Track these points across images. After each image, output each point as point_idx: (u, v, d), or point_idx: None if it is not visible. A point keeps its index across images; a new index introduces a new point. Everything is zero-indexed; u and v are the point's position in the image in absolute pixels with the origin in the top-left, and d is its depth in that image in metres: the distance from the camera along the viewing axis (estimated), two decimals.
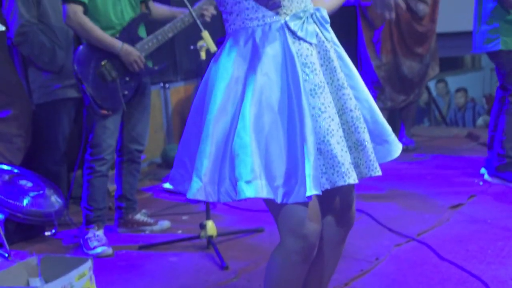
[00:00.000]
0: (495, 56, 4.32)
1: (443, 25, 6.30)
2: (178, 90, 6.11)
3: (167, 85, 5.97)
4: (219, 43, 3.71)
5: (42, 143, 4.36)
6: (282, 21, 1.92)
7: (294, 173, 1.82)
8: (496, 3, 4.19)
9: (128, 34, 3.65)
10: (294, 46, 1.90)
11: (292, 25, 1.91)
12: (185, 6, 3.55)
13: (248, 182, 1.79)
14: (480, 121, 8.97)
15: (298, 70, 1.87)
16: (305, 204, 1.85)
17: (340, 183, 1.84)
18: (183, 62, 6.05)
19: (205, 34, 3.40)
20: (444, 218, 3.83)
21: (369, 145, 1.95)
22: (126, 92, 3.64)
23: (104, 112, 3.58)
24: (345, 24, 4.94)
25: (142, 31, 3.77)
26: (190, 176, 1.92)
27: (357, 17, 5.62)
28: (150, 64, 3.78)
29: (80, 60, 3.55)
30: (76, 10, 3.46)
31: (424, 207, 4.07)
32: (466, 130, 6.80)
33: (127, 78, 3.64)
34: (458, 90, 9.87)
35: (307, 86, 1.88)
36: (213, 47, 3.32)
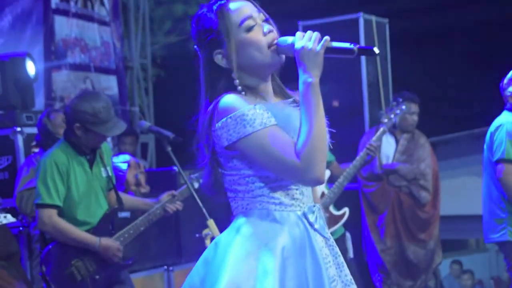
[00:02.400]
0: (502, 246, 4.30)
1: (446, 208, 6.38)
2: (183, 273, 6.03)
3: (170, 268, 5.91)
4: None
5: None
6: (299, 212, 1.98)
7: None
8: (501, 192, 4.24)
9: (103, 227, 3.71)
10: (313, 236, 1.96)
11: (310, 217, 1.98)
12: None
13: None
14: None
15: (319, 260, 1.93)
16: None
17: None
18: (188, 245, 6.04)
19: (211, 222, 3.46)
20: None
21: None
22: None
23: None
24: (350, 208, 5.00)
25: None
26: None
27: (360, 201, 5.71)
28: None
29: (49, 260, 3.57)
30: (51, 214, 3.54)
31: None
32: None
33: (97, 277, 3.64)
34: (464, 272, 9.73)
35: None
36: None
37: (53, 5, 6.69)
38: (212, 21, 1.99)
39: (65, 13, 6.84)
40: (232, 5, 1.99)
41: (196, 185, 4.09)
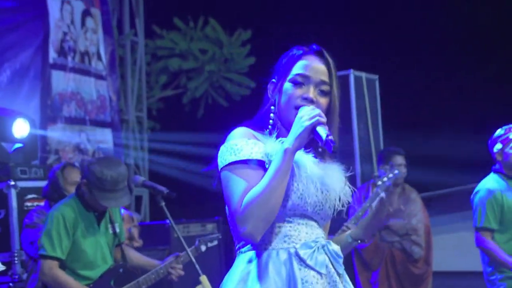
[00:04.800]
0: None
1: (440, 264, 6.36)
2: None
3: None
4: None
5: None
6: (292, 250, 2.01)
7: None
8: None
9: (104, 283, 3.73)
10: (300, 272, 1.98)
11: (302, 253, 2.00)
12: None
13: None
14: None
15: None
16: None
17: None
18: None
19: (204, 278, 3.45)
20: None
21: None
22: None
23: None
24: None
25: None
26: None
27: (352, 258, 5.69)
28: None
29: None
30: (52, 266, 3.59)
31: None
32: None
33: None
34: None
35: None
36: None
37: (51, 60, 6.79)
38: (288, 56, 2.17)
39: (62, 67, 6.94)
40: (306, 59, 2.14)
41: (204, 248, 4.15)
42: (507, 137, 4.30)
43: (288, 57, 2.16)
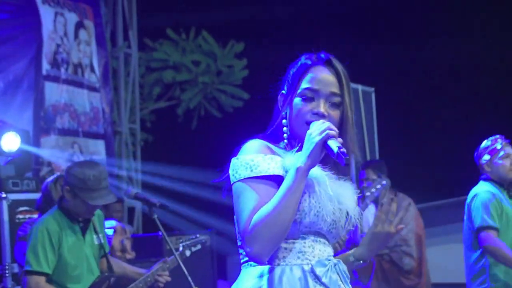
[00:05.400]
0: None
1: (435, 276, 6.35)
2: None
3: None
4: None
5: None
6: (306, 267, 1.98)
7: None
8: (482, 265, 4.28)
9: None
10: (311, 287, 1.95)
11: (317, 270, 1.97)
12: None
13: None
14: None
15: None
16: None
17: None
18: None
19: None
20: None
21: None
22: None
23: None
24: None
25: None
26: None
27: None
28: None
29: None
30: (38, 281, 3.56)
31: None
32: None
33: None
34: None
35: None
36: None
37: (44, 72, 6.79)
38: (296, 67, 2.09)
39: (55, 79, 6.94)
40: (315, 70, 2.07)
41: (188, 253, 4.11)
42: (495, 147, 4.34)
43: (297, 68, 2.09)
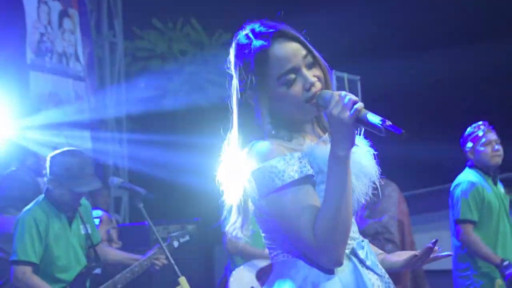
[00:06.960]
0: None
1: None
2: None
3: None
4: None
5: None
6: (347, 250, 1.82)
7: None
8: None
9: (79, 285, 3.70)
10: (365, 276, 1.81)
11: (360, 253, 1.84)
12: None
13: None
14: None
15: None
16: None
17: None
18: None
19: (182, 279, 3.44)
20: None
21: None
22: None
23: None
24: None
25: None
26: None
27: None
28: None
29: None
30: (25, 270, 3.53)
31: None
32: None
33: None
34: None
35: None
36: None
37: (28, 61, 6.73)
38: (250, 61, 1.86)
39: (40, 68, 6.88)
40: (276, 50, 1.84)
41: (176, 244, 4.10)
42: (477, 135, 4.38)
43: (254, 56, 1.85)
